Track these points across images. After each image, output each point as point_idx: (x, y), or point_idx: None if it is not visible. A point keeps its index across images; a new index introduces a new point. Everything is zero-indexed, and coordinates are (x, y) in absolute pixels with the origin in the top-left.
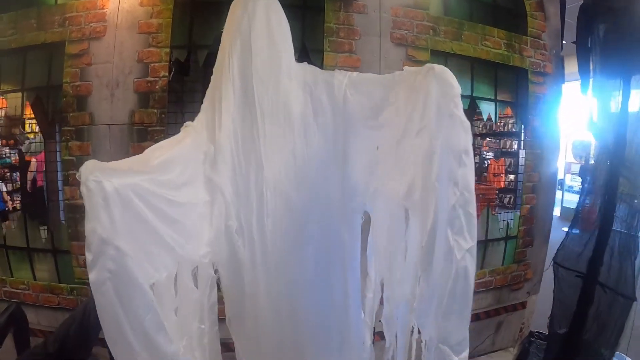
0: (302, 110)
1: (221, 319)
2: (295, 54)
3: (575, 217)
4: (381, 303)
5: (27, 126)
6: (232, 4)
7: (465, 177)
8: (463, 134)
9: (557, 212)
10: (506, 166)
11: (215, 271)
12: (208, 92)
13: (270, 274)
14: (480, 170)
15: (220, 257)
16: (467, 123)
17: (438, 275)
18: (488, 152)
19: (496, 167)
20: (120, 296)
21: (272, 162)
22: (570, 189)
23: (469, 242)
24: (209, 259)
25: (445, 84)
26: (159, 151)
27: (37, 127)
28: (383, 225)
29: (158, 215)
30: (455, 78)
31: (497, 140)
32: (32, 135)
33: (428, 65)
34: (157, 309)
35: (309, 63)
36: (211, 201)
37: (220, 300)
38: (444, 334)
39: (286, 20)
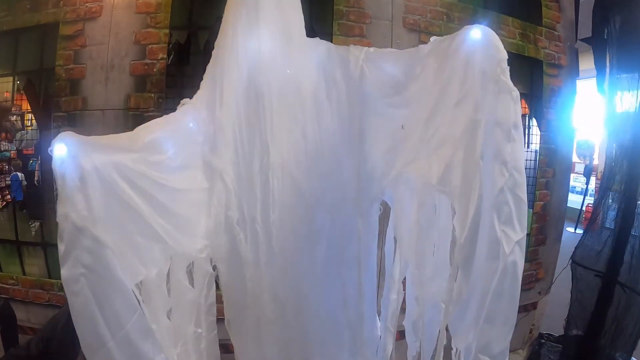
0: (314, 88)
1: (219, 319)
2: None
3: (592, 216)
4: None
5: (19, 117)
6: None
7: (515, 154)
8: (512, 104)
9: None
10: None
11: (214, 267)
12: (209, 68)
13: (275, 271)
14: None
15: (220, 252)
16: (517, 92)
17: (481, 272)
18: None
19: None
20: (97, 296)
21: (279, 145)
22: (574, 189)
23: (519, 233)
24: (206, 254)
25: (491, 46)
26: (152, 128)
27: (32, 115)
28: (408, 214)
29: (147, 201)
30: (500, 41)
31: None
32: (29, 129)
33: (467, 26)
34: (143, 312)
35: None
36: (210, 188)
37: (219, 299)
38: (485, 341)
39: None
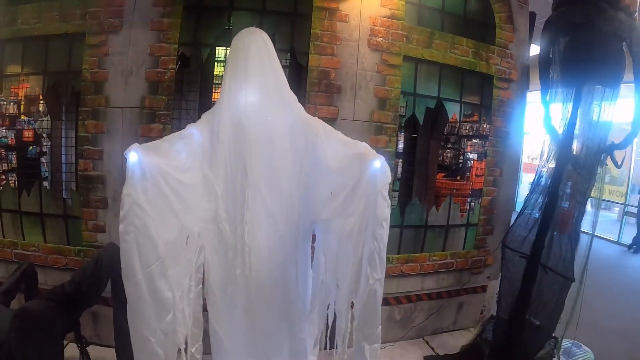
0: (282, 134)
1: None
2: (284, 55)
3: (523, 208)
4: None
5: (41, 106)
6: (234, 39)
7: (382, 235)
8: (386, 208)
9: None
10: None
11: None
12: (215, 107)
13: (245, 255)
14: (459, 169)
15: (209, 237)
16: (389, 201)
17: (362, 290)
18: (471, 152)
19: (478, 168)
20: (138, 244)
21: (254, 169)
22: None
23: (379, 274)
24: (199, 229)
25: (384, 175)
26: (172, 140)
27: (47, 109)
28: (331, 246)
29: (172, 190)
30: (389, 169)
31: (474, 142)
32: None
33: (376, 155)
34: (163, 260)
35: (295, 63)
36: (205, 191)
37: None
38: (361, 326)
39: (276, 55)
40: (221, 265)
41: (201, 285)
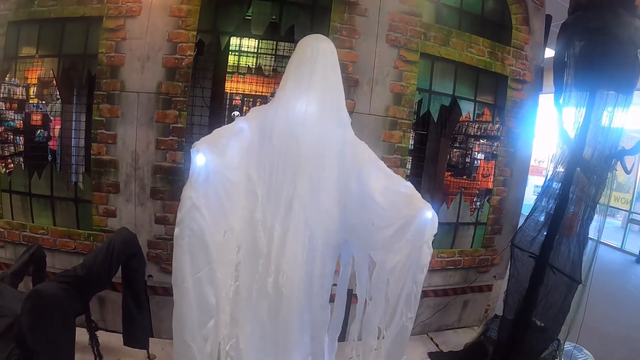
0: (332, 150)
1: None
2: None
3: (533, 209)
4: None
5: (53, 89)
6: (301, 42)
7: (421, 280)
8: (428, 255)
9: None
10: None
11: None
12: (263, 107)
13: (280, 264)
14: (468, 168)
15: (244, 239)
16: (432, 249)
17: (394, 325)
18: (479, 152)
19: (485, 167)
20: (191, 250)
21: (302, 181)
22: None
23: (412, 313)
24: (239, 227)
25: (432, 224)
26: (229, 136)
27: (58, 92)
28: (364, 273)
29: (224, 191)
30: (437, 219)
31: (485, 142)
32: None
33: (427, 204)
34: (212, 266)
35: None
36: (247, 189)
37: None
38: (389, 352)
39: (339, 67)
40: (247, 270)
41: (238, 283)
